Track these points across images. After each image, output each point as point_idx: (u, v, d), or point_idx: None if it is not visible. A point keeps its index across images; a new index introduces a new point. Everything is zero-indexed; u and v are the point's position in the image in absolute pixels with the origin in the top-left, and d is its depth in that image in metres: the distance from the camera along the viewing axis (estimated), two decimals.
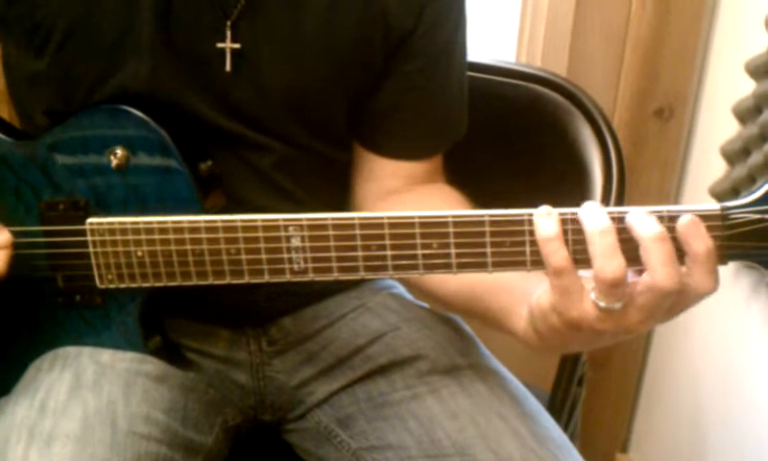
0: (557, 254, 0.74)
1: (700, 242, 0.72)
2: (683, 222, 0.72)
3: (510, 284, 0.86)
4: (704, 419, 1.53)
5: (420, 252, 0.78)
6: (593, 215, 0.73)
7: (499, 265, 0.77)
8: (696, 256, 0.72)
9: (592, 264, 0.73)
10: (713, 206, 0.73)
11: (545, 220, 0.74)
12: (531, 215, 0.75)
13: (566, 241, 0.74)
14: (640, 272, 0.73)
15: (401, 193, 1.02)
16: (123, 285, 0.87)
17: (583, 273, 0.75)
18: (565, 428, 1.14)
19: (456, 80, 1.03)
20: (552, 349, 0.84)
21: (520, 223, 0.75)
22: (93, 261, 0.87)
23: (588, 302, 0.74)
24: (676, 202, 1.62)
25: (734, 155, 1.32)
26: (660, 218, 0.73)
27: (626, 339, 0.79)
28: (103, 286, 0.88)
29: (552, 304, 0.76)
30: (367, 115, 1.01)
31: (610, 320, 0.74)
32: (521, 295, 0.84)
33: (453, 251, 0.77)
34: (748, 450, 1.36)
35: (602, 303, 0.73)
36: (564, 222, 0.74)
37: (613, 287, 0.72)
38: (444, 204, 1.00)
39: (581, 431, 1.29)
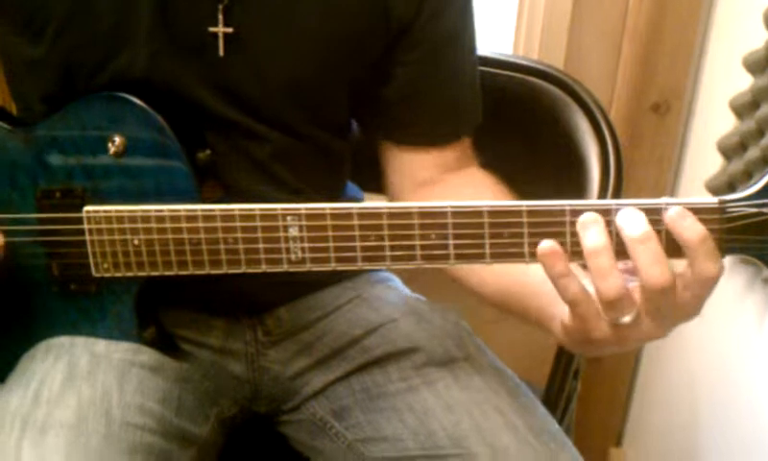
0: (568, 289, 0.74)
1: (690, 230, 0.72)
2: (670, 215, 0.72)
3: (547, 288, 0.85)
4: (698, 413, 1.53)
5: (417, 242, 0.78)
6: (592, 232, 0.73)
7: (497, 257, 0.77)
8: (691, 245, 0.72)
9: (592, 282, 0.74)
10: (711, 199, 0.72)
11: (551, 260, 0.74)
12: (529, 207, 0.75)
13: (566, 233, 0.74)
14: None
15: (433, 183, 1.03)
16: (119, 274, 0.87)
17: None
18: (560, 422, 1.15)
19: (465, 66, 1.03)
20: (587, 354, 0.85)
21: (518, 214, 0.75)
22: (89, 249, 0.86)
23: (604, 322, 0.75)
24: (672, 196, 1.62)
25: (731, 149, 1.31)
26: (657, 211, 0.73)
27: (657, 337, 0.78)
28: (98, 275, 0.88)
29: (575, 328, 0.77)
30: (381, 107, 1.01)
31: (626, 332, 0.75)
32: (557, 299, 0.82)
33: (451, 242, 0.77)
34: (741, 445, 1.36)
35: (612, 320, 0.74)
36: (557, 224, 0.74)
37: (615, 304, 0.73)
38: (476, 192, 1.01)
39: (575, 425, 1.29)
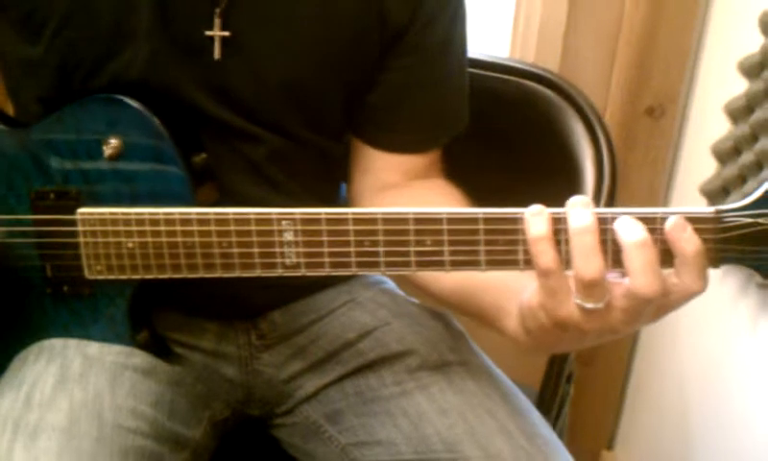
0: (545, 255, 0.73)
1: (687, 243, 0.72)
2: (670, 223, 0.72)
3: (502, 283, 0.86)
4: (690, 417, 1.53)
5: (413, 249, 0.78)
6: (577, 214, 0.73)
7: (493, 264, 0.77)
8: (684, 257, 0.72)
9: (572, 263, 0.73)
10: (707, 209, 0.72)
11: (536, 220, 0.74)
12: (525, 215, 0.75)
13: (558, 241, 0.74)
14: (624, 274, 0.73)
15: (398, 188, 1.02)
16: (112, 277, 0.87)
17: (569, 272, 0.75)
18: (554, 426, 1.14)
19: (454, 74, 1.03)
20: (541, 348, 0.85)
21: (514, 221, 0.75)
22: (83, 251, 0.86)
23: (573, 304, 0.74)
24: (666, 200, 1.62)
25: (725, 154, 1.32)
26: (653, 220, 0.73)
27: (613, 339, 0.78)
28: (92, 277, 0.87)
29: (540, 303, 0.76)
30: (364, 108, 1.01)
31: (594, 320, 0.74)
32: (513, 293, 0.83)
33: (447, 249, 0.77)
34: (733, 448, 1.36)
35: (583, 304, 0.73)
36: (556, 221, 0.74)
37: (590, 288, 0.72)
38: (439, 200, 1.00)
39: (567, 428, 1.29)
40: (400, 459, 0.96)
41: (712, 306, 1.39)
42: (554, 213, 0.74)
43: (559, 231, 0.74)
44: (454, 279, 0.91)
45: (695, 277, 0.72)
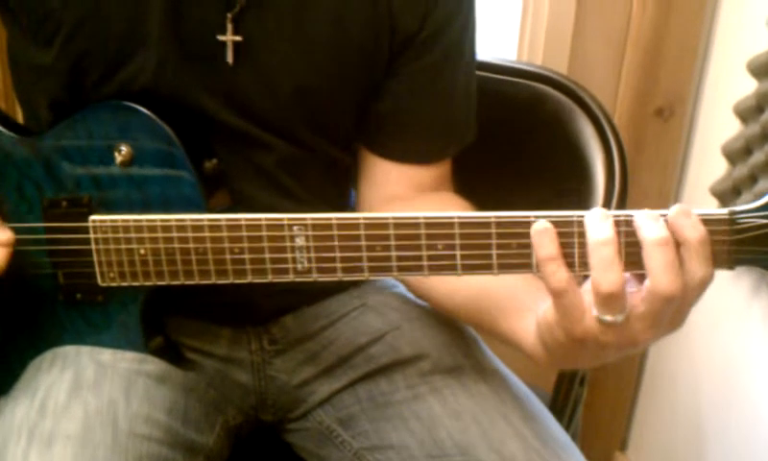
0: (555, 275, 0.72)
1: (692, 230, 0.71)
2: (673, 211, 0.71)
3: (517, 298, 0.85)
4: (702, 419, 1.53)
5: (424, 253, 0.77)
6: (596, 225, 0.72)
7: (505, 267, 0.76)
8: (690, 244, 0.71)
9: (591, 274, 0.72)
10: (721, 210, 0.72)
11: (544, 240, 0.73)
12: (537, 218, 0.74)
13: (573, 244, 0.73)
14: (641, 277, 0.72)
15: (406, 201, 1.01)
16: (125, 284, 0.87)
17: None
18: (567, 428, 1.14)
19: (462, 83, 1.02)
20: (559, 363, 0.83)
21: (527, 225, 0.74)
22: (95, 259, 0.86)
23: (591, 318, 0.73)
24: (676, 201, 1.60)
25: (736, 154, 1.31)
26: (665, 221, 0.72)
27: (633, 353, 0.77)
28: (104, 284, 0.88)
29: (556, 320, 0.75)
30: (371, 116, 1.00)
31: (613, 333, 0.73)
32: (529, 308, 0.83)
33: (459, 252, 0.77)
34: (746, 450, 1.36)
35: (602, 317, 0.72)
36: (566, 235, 0.73)
37: (610, 300, 0.71)
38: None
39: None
40: None
41: (725, 307, 1.39)
42: (563, 221, 0.73)
43: (573, 235, 0.73)
44: (465, 294, 0.91)
45: (702, 264, 0.71)
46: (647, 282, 0.71)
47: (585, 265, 0.73)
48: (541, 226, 0.73)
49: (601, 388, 1.76)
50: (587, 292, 0.73)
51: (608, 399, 1.79)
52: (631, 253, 0.72)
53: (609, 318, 0.72)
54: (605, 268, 0.71)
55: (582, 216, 0.73)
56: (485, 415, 0.96)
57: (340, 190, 1.07)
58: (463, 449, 0.94)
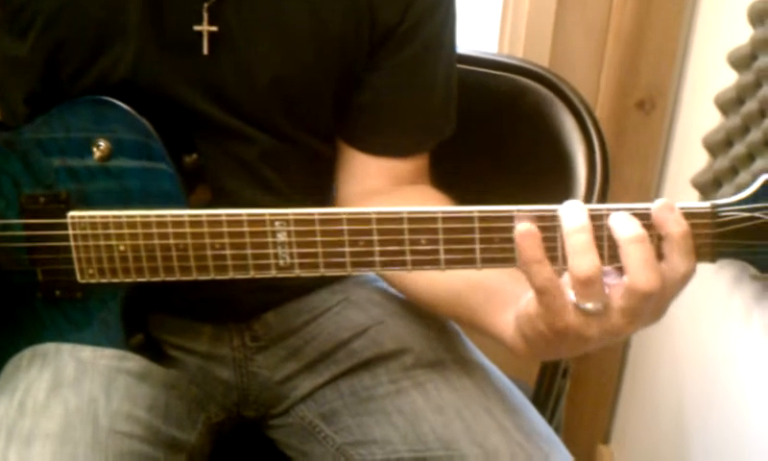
0: (540, 274, 0.73)
1: (675, 224, 0.71)
2: (656, 205, 0.72)
3: (497, 290, 0.85)
4: (685, 409, 1.53)
5: (407, 247, 0.77)
6: (571, 213, 0.72)
7: (488, 262, 0.76)
8: (672, 238, 0.71)
9: (567, 261, 0.72)
10: (703, 204, 0.72)
11: (528, 243, 0.73)
12: (520, 212, 0.74)
13: (556, 238, 0.73)
14: (621, 270, 0.73)
15: (384, 194, 1.01)
16: (104, 280, 0.86)
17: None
18: (550, 421, 1.15)
19: (443, 76, 1.02)
20: (539, 355, 0.83)
21: (510, 219, 0.74)
22: (74, 255, 0.85)
23: (573, 311, 0.73)
24: (658, 194, 1.62)
25: (717, 146, 1.32)
26: (647, 215, 0.72)
27: (613, 343, 0.78)
28: (84, 281, 0.87)
29: (537, 313, 0.75)
30: (350, 109, 1.00)
31: (594, 323, 0.73)
32: (509, 301, 0.83)
33: (442, 247, 0.76)
34: (728, 441, 1.37)
35: (581, 305, 0.72)
36: (549, 229, 0.73)
37: (587, 285, 0.71)
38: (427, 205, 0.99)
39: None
40: (396, 457, 0.96)
41: (706, 299, 1.39)
42: (543, 215, 0.73)
43: (549, 229, 0.73)
44: (444, 287, 0.92)
45: (684, 259, 0.72)
46: (625, 278, 0.71)
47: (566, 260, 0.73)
48: (525, 228, 0.73)
49: (584, 381, 1.77)
50: (567, 284, 0.73)
51: (590, 391, 1.80)
52: (612, 246, 0.73)
53: (589, 306, 0.72)
54: (580, 253, 0.71)
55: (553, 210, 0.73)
56: (468, 409, 0.96)
57: (323, 185, 1.07)
58: (446, 443, 0.94)
